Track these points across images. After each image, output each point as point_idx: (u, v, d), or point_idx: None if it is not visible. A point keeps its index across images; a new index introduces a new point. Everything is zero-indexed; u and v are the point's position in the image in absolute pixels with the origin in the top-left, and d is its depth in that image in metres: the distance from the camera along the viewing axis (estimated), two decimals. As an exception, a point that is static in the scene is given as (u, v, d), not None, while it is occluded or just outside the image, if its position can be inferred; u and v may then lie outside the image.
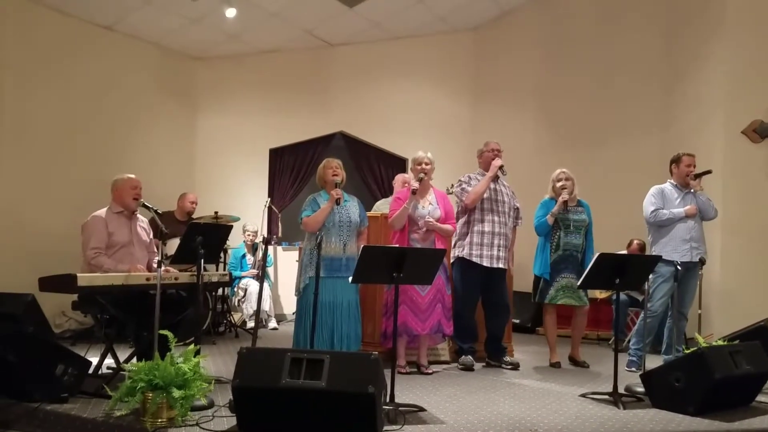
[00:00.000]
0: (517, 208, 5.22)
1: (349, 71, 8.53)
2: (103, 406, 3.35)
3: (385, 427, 3.11)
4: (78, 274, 3.66)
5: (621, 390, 3.86)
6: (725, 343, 3.98)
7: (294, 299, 4.67)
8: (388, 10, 7.63)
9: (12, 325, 3.90)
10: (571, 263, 5.07)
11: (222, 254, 6.59)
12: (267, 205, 7.22)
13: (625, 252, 6.22)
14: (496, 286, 5.02)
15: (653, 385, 3.76)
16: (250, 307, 7.12)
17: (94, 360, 4.12)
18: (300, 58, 8.59)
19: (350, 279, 3.81)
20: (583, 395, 3.99)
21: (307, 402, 2.93)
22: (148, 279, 3.91)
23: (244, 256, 7.45)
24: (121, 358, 4.20)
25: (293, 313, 4.64)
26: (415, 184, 4.65)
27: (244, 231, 7.42)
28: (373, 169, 8.52)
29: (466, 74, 8.43)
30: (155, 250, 4.57)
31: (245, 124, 8.65)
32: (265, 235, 7.06)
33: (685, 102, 6.61)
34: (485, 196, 4.95)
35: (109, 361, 4.29)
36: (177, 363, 3.15)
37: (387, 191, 6.57)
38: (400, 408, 3.35)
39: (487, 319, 5.11)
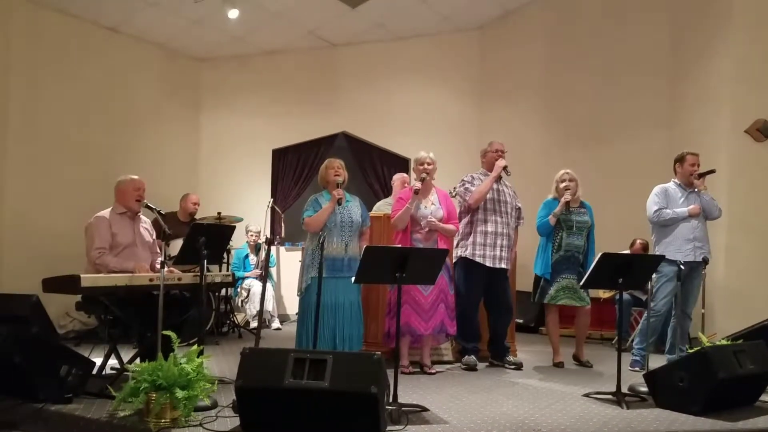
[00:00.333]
0: (519, 208, 5.22)
1: (352, 72, 8.54)
2: (106, 406, 3.36)
3: (389, 427, 3.10)
4: (81, 275, 3.68)
5: (624, 390, 3.85)
6: (729, 342, 3.97)
7: (297, 299, 4.68)
8: (391, 11, 7.63)
9: (16, 326, 3.91)
10: (572, 264, 5.06)
11: (225, 255, 6.60)
12: (270, 206, 7.24)
13: (628, 251, 6.21)
14: (499, 286, 5.02)
15: (657, 385, 3.76)
16: (253, 307, 7.13)
17: (98, 360, 4.13)
18: (303, 58, 8.60)
19: (353, 279, 3.82)
20: (587, 395, 3.98)
21: (310, 402, 2.93)
22: (151, 279, 3.92)
23: (247, 256, 7.46)
24: (125, 359, 4.20)
25: (296, 314, 4.64)
26: (418, 184, 4.65)
27: (247, 231, 7.44)
28: (376, 169, 8.52)
29: (471, 74, 8.42)
30: (158, 250, 4.58)
31: (249, 124, 8.67)
32: (268, 236, 7.07)
33: (690, 100, 6.60)
34: (488, 196, 4.95)
35: (112, 361, 4.29)
36: (180, 363, 3.15)
37: (389, 192, 6.58)
38: (403, 408, 3.35)
39: (491, 319, 5.12)
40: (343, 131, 8.57)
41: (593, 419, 3.42)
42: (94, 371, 3.91)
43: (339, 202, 4.48)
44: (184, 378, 3.11)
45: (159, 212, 4.20)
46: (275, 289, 7.91)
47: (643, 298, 6.17)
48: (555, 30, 7.75)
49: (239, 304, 7.29)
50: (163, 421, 3.05)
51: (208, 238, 4.07)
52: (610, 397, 3.83)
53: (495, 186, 4.99)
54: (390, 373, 3.27)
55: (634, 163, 6.95)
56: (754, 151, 5.73)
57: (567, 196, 5.02)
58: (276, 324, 7.37)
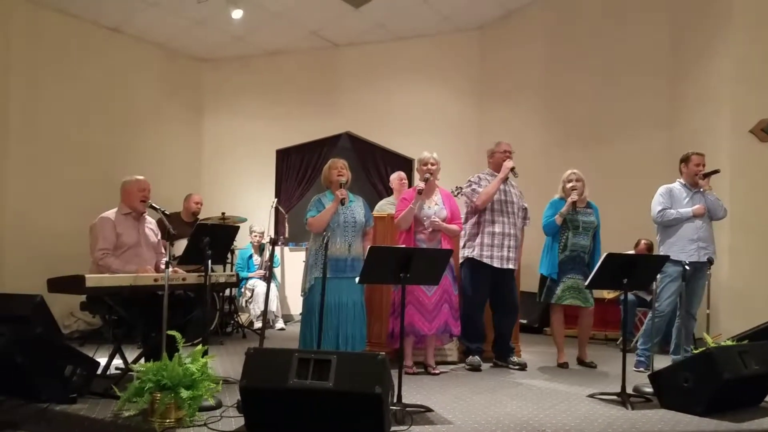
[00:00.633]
0: (526, 209, 5.22)
1: (354, 72, 8.54)
2: (111, 406, 3.36)
3: (393, 428, 3.10)
4: (86, 275, 3.69)
5: (629, 390, 3.84)
6: (734, 343, 3.96)
7: (301, 299, 4.68)
8: (393, 11, 7.63)
9: (21, 326, 3.92)
10: (578, 264, 5.06)
11: (229, 255, 6.61)
12: (274, 206, 7.24)
13: (632, 252, 6.20)
14: (506, 287, 5.02)
15: (662, 386, 3.75)
16: (257, 307, 7.13)
17: (103, 361, 4.14)
18: (306, 59, 8.60)
19: (357, 279, 3.82)
20: (591, 396, 3.97)
21: (314, 402, 2.93)
22: (155, 280, 3.93)
23: (251, 256, 7.47)
24: (129, 359, 4.21)
25: (300, 314, 4.64)
26: (421, 185, 4.65)
27: (251, 232, 7.44)
28: (380, 169, 8.52)
29: (472, 74, 8.42)
30: (163, 251, 4.59)
31: (252, 125, 8.68)
32: (272, 236, 7.07)
33: (690, 100, 6.58)
34: (495, 197, 4.95)
35: (117, 361, 4.30)
36: (185, 363, 3.16)
37: (392, 192, 6.59)
38: (407, 408, 3.35)
39: (496, 319, 5.11)
40: (347, 131, 8.58)
41: (598, 420, 3.42)
42: (99, 371, 3.92)
43: (342, 202, 4.48)
44: (189, 378, 3.11)
45: (163, 212, 4.21)
46: (279, 290, 7.92)
47: (648, 298, 6.16)
48: (555, 30, 7.75)
49: (243, 305, 7.30)
50: (167, 421, 3.05)
51: (213, 239, 4.07)
52: (614, 397, 3.82)
53: (502, 186, 4.99)
54: (394, 373, 3.27)
55: (634, 164, 6.94)
56: (755, 152, 5.72)
57: (574, 196, 5.02)
58: (280, 324, 7.38)
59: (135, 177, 4.43)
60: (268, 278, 5.40)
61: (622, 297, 4.25)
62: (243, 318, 7.14)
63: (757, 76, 5.74)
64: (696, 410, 3.49)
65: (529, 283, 5.76)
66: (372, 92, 8.51)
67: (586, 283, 4.19)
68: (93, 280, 3.70)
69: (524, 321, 6.80)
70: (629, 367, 4.11)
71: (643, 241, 6.40)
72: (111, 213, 4.31)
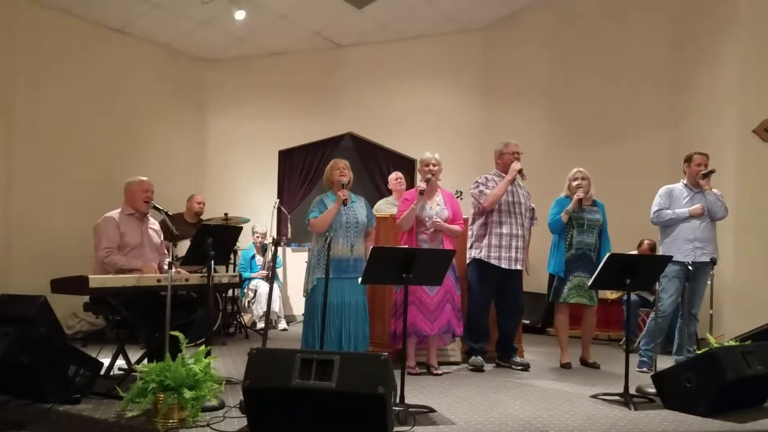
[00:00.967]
0: (533, 209, 5.21)
1: (357, 72, 8.54)
2: (114, 407, 3.36)
3: (395, 428, 3.11)
4: (90, 276, 3.69)
5: (632, 391, 3.84)
6: (737, 343, 3.95)
7: (303, 300, 4.68)
8: (396, 11, 7.63)
9: (25, 327, 3.94)
10: (584, 262, 5.06)
11: (232, 255, 6.61)
12: (276, 207, 7.25)
13: (635, 252, 6.19)
14: (512, 287, 5.02)
15: (665, 386, 3.74)
16: (260, 308, 7.14)
17: (106, 361, 4.15)
18: (309, 59, 8.60)
19: (359, 280, 3.82)
20: (594, 396, 3.97)
21: (317, 403, 2.93)
22: (159, 280, 3.93)
23: (253, 257, 7.48)
24: (133, 359, 4.22)
25: (303, 314, 4.65)
26: (422, 185, 4.66)
27: (254, 232, 7.45)
28: (382, 170, 8.51)
29: (475, 74, 8.41)
30: (166, 251, 4.60)
31: (254, 125, 8.68)
32: (275, 237, 7.08)
33: (695, 100, 6.57)
34: (503, 198, 4.94)
35: (120, 362, 4.31)
36: (188, 364, 3.16)
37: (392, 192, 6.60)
38: (410, 409, 3.35)
39: (500, 319, 5.11)
40: (349, 132, 8.58)
41: (601, 420, 3.42)
42: (102, 372, 3.93)
43: (344, 202, 4.48)
44: (192, 378, 3.11)
45: (167, 213, 4.22)
46: (282, 290, 7.92)
47: (651, 298, 6.15)
48: (559, 31, 7.75)
49: (246, 305, 7.31)
50: (170, 421, 3.06)
51: (215, 239, 4.08)
52: (617, 398, 3.82)
53: (509, 187, 4.98)
54: (397, 373, 3.27)
55: (637, 164, 6.93)
56: (760, 152, 5.71)
57: (579, 193, 5.03)
58: (282, 324, 7.38)
59: (138, 178, 4.44)
60: (271, 279, 5.39)
61: (625, 297, 4.25)
62: (246, 318, 7.15)
63: (760, 75, 5.73)
64: (699, 411, 3.49)
65: (532, 283, 5.76)
66: (375, 93, 8.51)
67: (589, 284, 4.18)
68: (96, 280, 3.71)
69: (527, 321, 6.80)
70: (632, 367, 4.11)
71: (646, 242, 6.39)
72: (114, 213, 4.32)
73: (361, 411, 2.92)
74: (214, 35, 7.92)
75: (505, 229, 4.93)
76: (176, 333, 3.34)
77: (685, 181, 5.03)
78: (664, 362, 4.33)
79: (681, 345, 4.79)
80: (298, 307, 7.85)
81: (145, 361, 3.96)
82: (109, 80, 7.45)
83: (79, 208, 6.46)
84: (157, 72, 8.09)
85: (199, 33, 7.83)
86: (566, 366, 5.08)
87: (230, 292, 6.73)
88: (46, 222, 6.65)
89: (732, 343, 3.95)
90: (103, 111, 7.37)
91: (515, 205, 5.00)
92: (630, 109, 7.16)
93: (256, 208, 7.94)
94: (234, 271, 6.78)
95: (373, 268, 3.60)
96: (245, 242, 7.24)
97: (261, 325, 6.93)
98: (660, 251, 4.97)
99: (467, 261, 5.06)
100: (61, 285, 3.82)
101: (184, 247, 4.68)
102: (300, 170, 8.64)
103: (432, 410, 3.49)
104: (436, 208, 4.74)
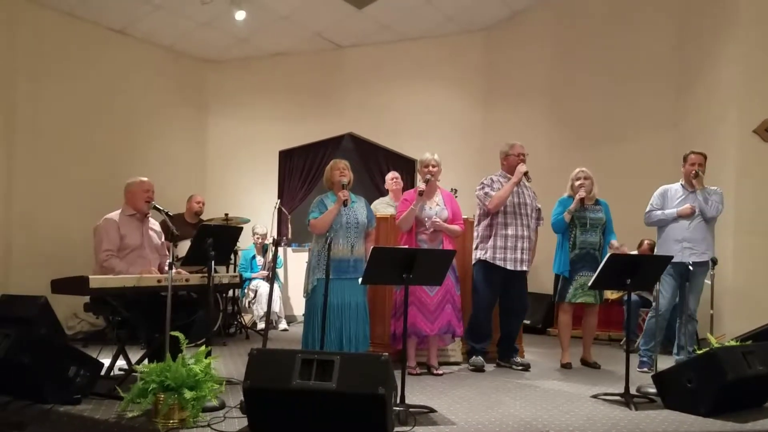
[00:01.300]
0: (539, 209, 5.21)
1: (358, 73, 8.54)
2: (115, 407, 3.36)
3: (396, 429, 3.11)
4: (90, 276, 3.69)
5: (633, 391, 3.84)
6: (738, 343, 3.95)
7: (304, 300, 4.68)
8: (397, 12, 7.62)
9: (25, 327, 3.94)
10: (589, 261, 5.06)
11: (232, 256, 6.61)
12: (277, 207, 7.25)
13: (636, 252, 6.19)
14: (517, 288, 5.03)
15: (665, 386, 3.74)
16: (260, 308, 7.14)
17: (106, 362, 4.15)
18: (309, 60, 8.60)
19: (360, 280, 3.82)
20: (595, 396, 3.97)
21: (317, 403, 2.94)
22: (159, 281, 3.93)
23: (254, 257, 7.48)
24: (133, 360, 4.22)
25: (303, 315, 4.65)
26: (422, 186, 4.66)
27: (254, 233, 7.45)
28: (383, 170, 8.48)
29: (477, 75, 8.40)
30: (166, 252, 4.60)
31: (255, 126, 8.68)
32: (275, 237, 7.08)
33: (697, 100, 6.57)
34: (508, 199, 4.94)
35: (121, 362, 4.31)
36: (188, 364, 3.16)
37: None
38: (410, 409, 3.36)
39: (503, 320, 5.11)
40: (350, 132, 8.58)
41: (601, 420, 3.42)
42: (103, 372, 3.93)
43: (344, 203, 4.48)
44: (192, 379, 3.12)
45: (167, 214, 4.22)
46: (282, 290, 7.92)
47: (651, 298, 6.14)
48: (560, 31, 7.74)
49: (246, 305, 7.31)
50: (171, 421, 3.06)
51: (216, 240, 4.08)
52: (618, 398, 3.82)
53: (515, 189, 4.97)
54: (397, 374, 3.27)
55: (638, 164, 6.93)
56: (760, 152, 5.70)
57: (582, 193, 5.03)
58: (283, 325, 7.38)
59: (139, 178, 4.44)
60: (271, 279, 5.39)
61: (625, 297, 4.25)
62: (246, 319, 7.14)
63: (761, 75, 5.72)
64: (700, 411, 3.49)
65: (534, 284, 5.76)
66: (375, 93, 8.50)
67: (590, 284, 4.18)
68: (97, 281, 3.71)
69: (527, 321, 6.79)
70: (633, 367, 4.11)
71: (646, 242, 6.39)
72: (115, 214, 4.32)
73: (361, 411, 2.92)
74: (215, 36, 7.92)
75: (510, 231, 4.93)
76: (177, 333, 3.34)
77: (682, 181, 5.03)
78: (665, 363, 4.33)
79: (681, 345, 4.79)
80: (299, 307, 7.84)
81: (146, 361, 3.96)
82: (110, 80, 7.45)
83: (80, 209, 6.47)
84: (157, 72, 8.09)
85: (200, 34, 7.83)
86: (567, 366, 5.08)
87: (231, 293, 6.73)
88: (47, 222, 6.65)
89: (732, 343, 3.95)
90: (103, 111, 7.38)
91: (521, 206, 5.00)
92: (631, 109, 7.16)
93: (257, 208, 7.94)
94: (234, 271, 6.78)
95: (373, 269, 3.60)
96: (246, 242, 7.24)
97: (261, 325, 6.93)
98: (656, 251, 4.98)
99: (473, 262, 5.06)
100: (62, 285, 3.82)
101: (184, 247, 4.68)
102: (300, 170, 8.64)
103: (432, 410, 3.49)
104: (436, 209, 4.74)
